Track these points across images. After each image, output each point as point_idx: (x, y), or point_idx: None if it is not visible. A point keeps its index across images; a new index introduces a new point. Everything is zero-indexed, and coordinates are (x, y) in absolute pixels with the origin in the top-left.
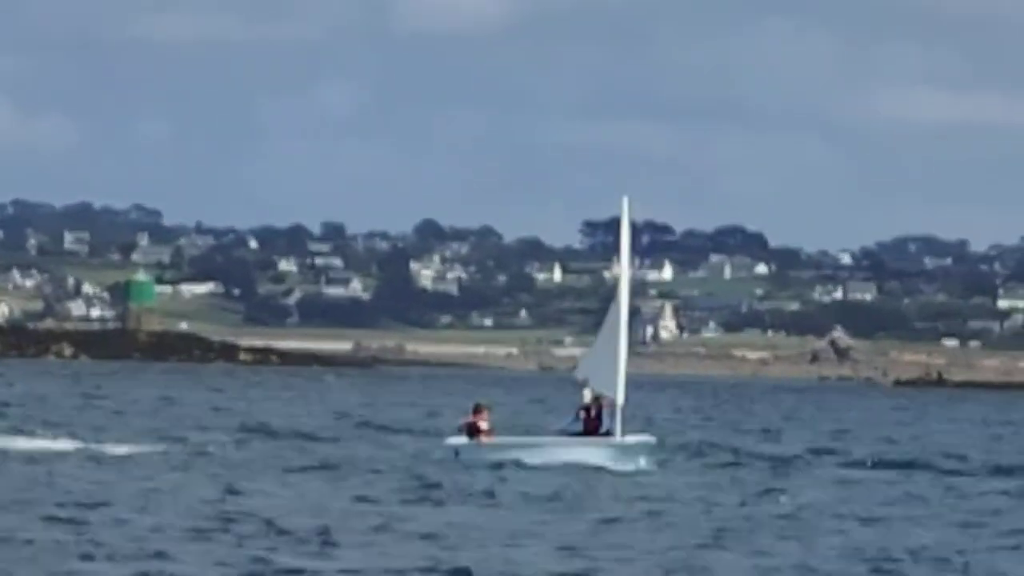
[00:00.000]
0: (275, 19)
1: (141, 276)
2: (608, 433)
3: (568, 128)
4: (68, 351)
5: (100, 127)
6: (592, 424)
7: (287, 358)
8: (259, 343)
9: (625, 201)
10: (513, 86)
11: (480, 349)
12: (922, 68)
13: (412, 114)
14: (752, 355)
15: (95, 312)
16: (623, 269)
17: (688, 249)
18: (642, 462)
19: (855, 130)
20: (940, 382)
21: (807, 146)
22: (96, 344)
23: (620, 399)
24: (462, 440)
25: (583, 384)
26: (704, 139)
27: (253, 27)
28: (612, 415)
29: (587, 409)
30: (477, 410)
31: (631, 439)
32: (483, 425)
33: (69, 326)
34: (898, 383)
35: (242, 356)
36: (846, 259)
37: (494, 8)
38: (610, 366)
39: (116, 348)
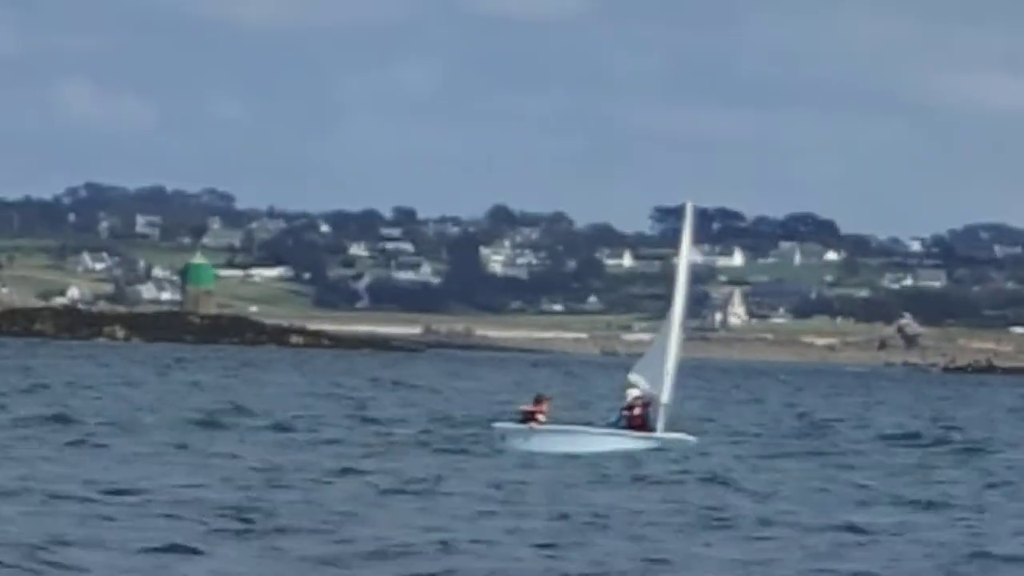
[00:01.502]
0: (353, 2)
1: (200, 259)
2: (651, 430)
3: (641, 113)
4: (121, 333)
5: (175, 110)
6: (636, 422)
7: (339, 342)
8: (329, 327)
9: (689, 207)
10: (586, 70)
11: (549, 334)
12: (997, 52)
13: (486, 98)
14: (820, 341)
15: (165, 295)
16: (681, 272)
17: (759, 235)
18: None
19: (929, 116)
20: (990, 369)
21: (880, 132)
22: (149, 327)
23: (665, 398)
24: (509, 424)
25: (629, 384)
26: (777, 124)
27: (331, 10)
28: (657, 412)
29: (631, 408)
30: (538, 400)
31: (669, 436)
32: (541, 417)
33: (133, 309)
34: (947, 369)
35: (293, 339)
36: (916, 247)
37: None
38: (659, 363)
39: (169, 331)
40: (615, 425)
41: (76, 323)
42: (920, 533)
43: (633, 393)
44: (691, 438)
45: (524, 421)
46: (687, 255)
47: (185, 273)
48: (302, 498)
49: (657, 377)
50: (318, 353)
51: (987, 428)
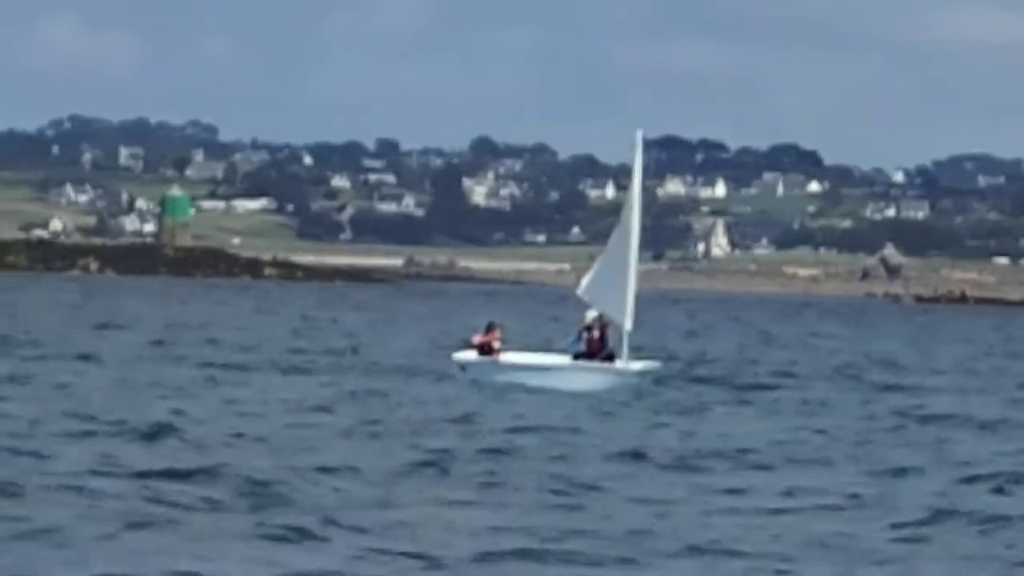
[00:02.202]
0: None
1: (176, 191)
2: (611, 356)
3: (625, 45)
4: (94, 266)
5: (160, 42)
6: (595, 346)
7: (313, 274)
8: (311, 259)
9: (639, 135)
10: (571, 2)
11: (531, 265)
12: None
13: (470, 30)
14: (803, 272)
15: (148, 227)
16: (634, 196)
17: (742, 166)
18: (646, 387)
19: (914, 47)
20: (962, 299)
21: (865, 63)
22: (123, 259)
23: (628, 325)
24: (471, 356)
25: (587, 305)
26: (761, 56)
27: None
28: (617, 337)
29: (589, 329)
30: (490, 328)
31: (638, 365)
32: (496, 344)
33: (115, 241)
34: (919, 300)
35: (267, 272)
36: (900, 177)
37: None
38: (619, 290)
39: (142, 263)
40: (572, 348)
41: (49, 255)
42: None
43: (591, 315)
44: (657, 364)
45: (481, 352)
46: (639, 182)
47: (162, 205)
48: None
49: (619, 304)
50: (291, 286)
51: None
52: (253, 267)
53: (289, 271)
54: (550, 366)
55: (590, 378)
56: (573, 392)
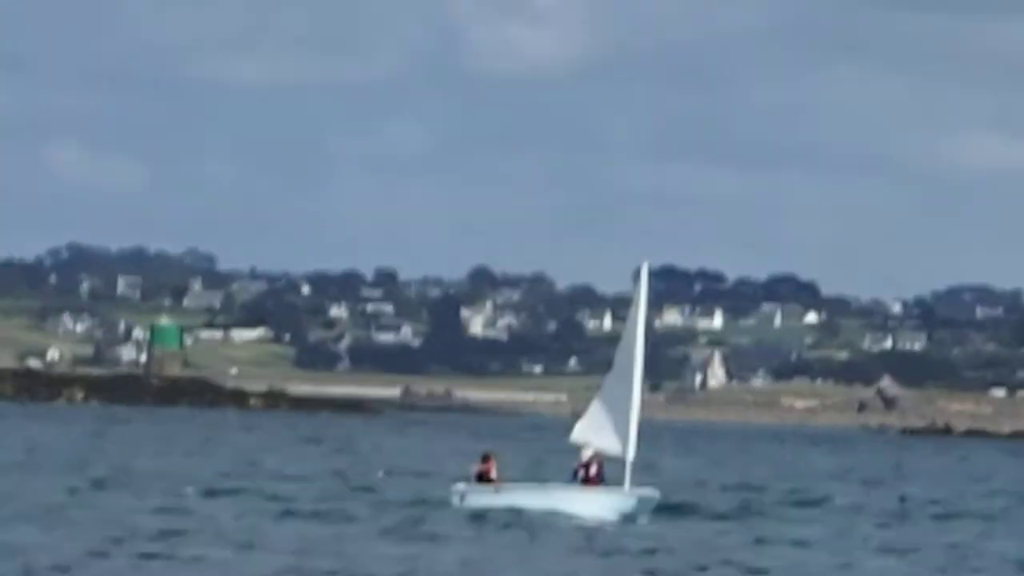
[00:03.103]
0: (337, 62)
1: (165, 321)
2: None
3: (624, 173)
4: (80, 395)
5: (158, 170)
6: (592, 481)
7: (298, 404)
8: (309, 389)
9: (644, 267)
10: (570, 131)
11: (528, 396)
12: (983, 113)
13: (469, 159)
14: (800, 404)
15: (144, 357)
16: (638, 326)
17: (740, 296)
18: (643, 516)
19: (914, 176)
20: (947, 431)
21: (864, 192)
22: (109, 389)
23: (630, 455)
24: (471, 485)
25: (581, 446)
26: (761, 185)
27: (316, 71)
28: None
29: (586, 467)
30: (486, 459)
31: (638, 491)
32: (493, 474)
33: (113, 371)
34: (904, 431)
35: (252, 402)
36: (897, 308)
37: (549, 51)
38: (620, 422)
39: (129, 393)
40: (569, 483)
41: (35, 385)
42: None
43: (588, 452)
44: (656, 493)
45: (479, 481)
46: (643, 313)
47: (151, 335)
48: None
49: (621, 434)
50: (272, 416)
51: None
52: (239, 397)
53: (275, 401)
54: (551, 492)
55: (591, 503)
56: (574, 517)
